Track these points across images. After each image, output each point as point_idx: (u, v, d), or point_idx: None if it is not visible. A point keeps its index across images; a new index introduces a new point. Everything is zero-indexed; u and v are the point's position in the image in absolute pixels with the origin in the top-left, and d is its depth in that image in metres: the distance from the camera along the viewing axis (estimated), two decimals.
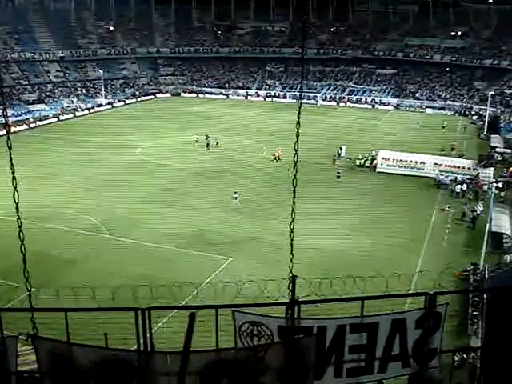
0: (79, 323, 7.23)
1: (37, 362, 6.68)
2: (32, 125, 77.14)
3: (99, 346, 6.92)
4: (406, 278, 12.99)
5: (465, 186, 48.62)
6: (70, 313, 6.68)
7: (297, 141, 7.69)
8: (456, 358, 19.50)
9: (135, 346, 6.62)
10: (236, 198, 44.60)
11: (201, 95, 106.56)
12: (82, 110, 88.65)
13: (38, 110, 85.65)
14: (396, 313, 6.97)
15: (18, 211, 7.39)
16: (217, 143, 62.95)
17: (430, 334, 7.11)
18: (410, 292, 16.50)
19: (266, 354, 6.47)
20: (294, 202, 7.78)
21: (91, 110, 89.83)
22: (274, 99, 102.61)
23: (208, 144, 62.65)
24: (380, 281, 9.34)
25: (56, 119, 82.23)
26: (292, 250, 8.00)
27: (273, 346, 6.63)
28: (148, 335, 6.51)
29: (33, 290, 7.41)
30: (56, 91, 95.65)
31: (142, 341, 6.52)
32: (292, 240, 7.93)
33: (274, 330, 6.68)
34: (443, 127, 76.56)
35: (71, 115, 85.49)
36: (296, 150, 7.54)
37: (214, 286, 9.44)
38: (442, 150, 60.30)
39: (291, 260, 7.92)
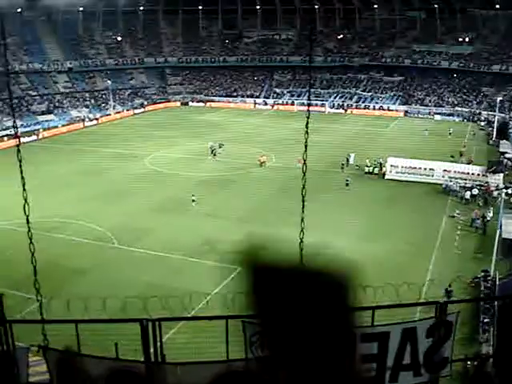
0: (90, 333, 7.23)
1: (48, 373, 6.69)
2: (41, 135, 77.63)
3: (109, 356, 6.93)
4: (417, 286, 12.93)
5: (475, 192, 48.41)
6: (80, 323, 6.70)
7: (305, 150, 7.70)
8: (467, 366, 19.38)
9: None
10: (194, 200, 45.15)
11: (209, 104, 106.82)
12: (91, 120, 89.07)
13: (46, 121, 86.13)
14: (407, 322, 6.94)
15: (28, 222, 7.42)
16: (213, 150, 63.34)
17: (441, 343, 7.07)
18: (420, 301, 16.41)
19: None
20: (303, 211, 7.79)
21: (99, 120, 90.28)
22: (282, 107, 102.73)
23: (213, 151, 62.91)
24: (390, 289, 9.33)
25: (65, 130, 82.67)
26: (301, 259, 8.00)
27: None
28: (158, 345, 6.51)
29: (44, 300, 7.44)
30: (64, 102, 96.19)
31: (152, 351, 6.52)
32: (302, 250, 7.93)
33: None
34: (450, 133, 76.46)
35: (80, 125, 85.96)
36: (305, 160, 7.55)
37: (223, 297, 9.42)
38: (453, 157, 60.08)
39: None
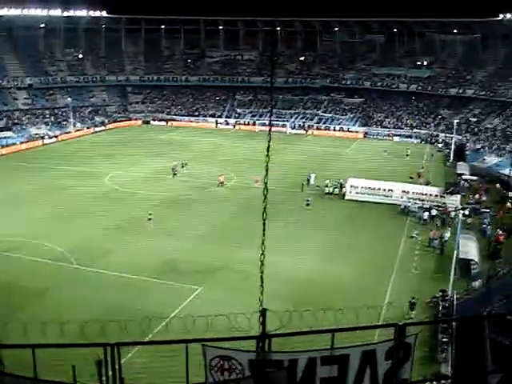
0: (48, 355, 7.10)
1: None
2: None
3: (67, 381, 6.81)
4: (376, 307, 13.02)
5: (434, 213, 49.14)
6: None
7: (266, 174, 7.73)
8: None
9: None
10: (150, 219, 44.91)
11: (170, 123, 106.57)
12: (50, 138, 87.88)
13: (5, 138, 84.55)
14: (366, 344, 6.99)
15: None
16: (173, 170, 63.56)
17: (400, 364, 7.15)
18: (380, 322, 16.54)
19: None
20: (264, 235, 7.78)
21: (59, 138, 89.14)
22: (244, 127, 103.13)
23: (174, 171, 62.90)
24: (350, 311, 9.40)
25: (24, 147, 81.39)
26: (262, 283, 8.01)
27: (244, 381, 6.60)
28: (117, 368, 6.43)
29: None
30: (24, 118, 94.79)
31: (110, 373, 6.44)
32: (262, 273, 7.94)
33: (245, 364, 6.65)
34: (407, 155, 77.85)
35: (39, 143, 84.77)
36: (266, 183, 7.57)
37: (183, 320, 9.35)
38: (411, 178, 61.06)
39: (261, 293, 7.92)
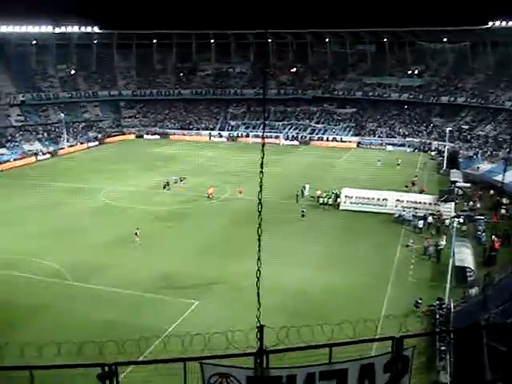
0: (44, 376, 7.08)
1: None
2: None
3: None
4: (374, 317, 12.99)
5: (430, 220, 49.20)
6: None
7: (260, 190, 7.72)
8: None
9: None
10: (136, 234, 44.58)
11: (164, 137, 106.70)
12: (44, 154, 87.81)
13: None
14: (364, 358, 6.99)
15: None
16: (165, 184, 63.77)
17: (398, 377, 7.14)
18: (377, 332, 16.48)
19: None
20: (259, 251, 7.77)
21: (53, 154, 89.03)
22: (237, 139, 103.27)
23: (165, 185, 63.14)
24: (347, 325, 9.39)
25: (17, 163, 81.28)
26: (259, 299, 7.98)
27: None
28: None
29: None
30: (17, 135, 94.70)
31: None
32: (258, 289, 7.92)
33: (243, 381, 6.64)
34: (398, 164, 78.04)
35: (33, 159, 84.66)
36: (260, 200, 7.56)
37: (180, 338, 9.33)
38: (407, 187, 61.24)
39: (258, 309, 7.90)
